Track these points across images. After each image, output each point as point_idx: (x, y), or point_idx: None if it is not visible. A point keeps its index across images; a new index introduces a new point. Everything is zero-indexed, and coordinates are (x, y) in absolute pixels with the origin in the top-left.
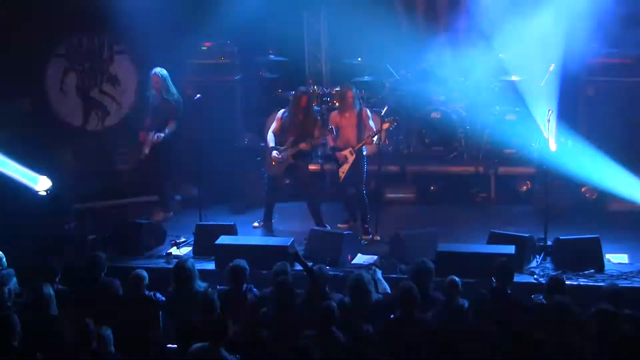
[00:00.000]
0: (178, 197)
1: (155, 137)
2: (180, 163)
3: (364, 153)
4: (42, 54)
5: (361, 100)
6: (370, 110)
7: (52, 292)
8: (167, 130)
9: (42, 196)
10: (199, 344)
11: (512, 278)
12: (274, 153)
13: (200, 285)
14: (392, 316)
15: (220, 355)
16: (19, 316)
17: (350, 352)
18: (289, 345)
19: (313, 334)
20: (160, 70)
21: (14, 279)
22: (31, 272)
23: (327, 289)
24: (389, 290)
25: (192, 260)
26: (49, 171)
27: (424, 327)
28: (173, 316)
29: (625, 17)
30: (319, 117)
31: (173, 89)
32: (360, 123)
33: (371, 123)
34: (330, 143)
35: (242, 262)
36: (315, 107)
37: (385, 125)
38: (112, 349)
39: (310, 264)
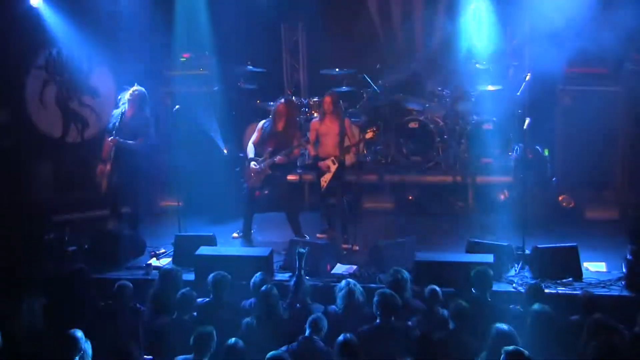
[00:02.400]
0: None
1: (115, 139)
2: (159, 174)
3: (344, 163)
4: (22, 66)
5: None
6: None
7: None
8: (129, 142)
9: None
10: (181, 357)
11: (491, 286)
12: (252, 164)
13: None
14: (376, 322)
15: None
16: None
17: None
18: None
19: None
20: (139, 87)
21: None
22: (10, 284)
23: (307, 299)
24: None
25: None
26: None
27: (405, 334)
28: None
29: (600, 27)
30: (299, 128)
31: (147, 109)
32: (342, 131)
33: (352, 132)
34: (311, 152)
35: (224, 273)
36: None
37: (368, 135)
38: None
39: (289, 274)
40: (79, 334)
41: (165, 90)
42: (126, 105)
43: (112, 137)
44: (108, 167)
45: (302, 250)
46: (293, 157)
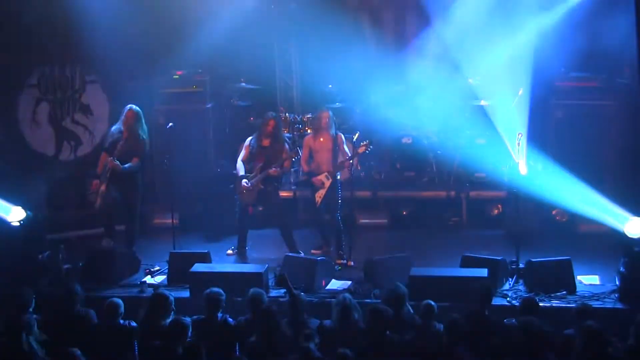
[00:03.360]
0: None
1: (115, 164)
2: (153, 191)
3: (338, 178)
4: (14, 84)
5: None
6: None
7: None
8: (127, 165)
9: (15, 226)
10: None
11: (491, 300)
12: (243, 182)
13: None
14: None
15: None
16: None
17: None
18: None
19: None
20: (135, 107)
21: None
22: (4, 302)
23: (304, 315)
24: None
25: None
26: (22, 202)
27: (399, 349)
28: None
29: (592, 41)
30: (286, 143)
31: (144, 128)
32: (335, 147)
33: (346, 148)
34: (305, 168)
35: (218, 290)
36: (287, 134)
37: (361, 149)
38: None
39: (284, 290)
40: (77, 352)
41: (159, 107)
42: (121, 126)
43: (111, 159)
44: (103, 187)
45: (282, 273)
46: (285, 169)
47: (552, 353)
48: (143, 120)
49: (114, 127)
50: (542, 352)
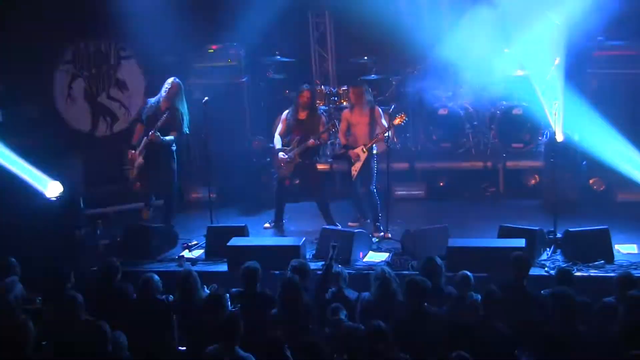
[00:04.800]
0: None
1: (156, 135)
2: (190, 166)
3: (374, 151)
4: (50, 61)
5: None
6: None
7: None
8: (166, 138)
9: (53, 202)
10: (214, 345)
11: (529, 271)
12: (281, 154)
13: (205, 292)
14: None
15: (235, 354)
16: (34, 322)
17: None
18: (300, 342)
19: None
20: (178, 79)
21: (19, 285)
22: (44, 279)
23: (342, 284)
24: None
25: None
26: (59, 177)
27: (436, 321)
28: (182, 320)
29: (629, 9)
30: (323, 114)
31: (184, 103)
32: (373, 121)
33: (383, 121)
34: (342, 141)
35: (255, 263)
36: (323, 107)
37: (396, 121)
38: (127, 353)
39: (322, 263)
40: (106, 326)
41: (194, 82)
42: (162, 96)
43: (152, 131)
44: (141, 159)
45: (335, 244)
46: (323, 141)
47: (585, 324)
48: (184, 95)
49: (152, 100)
50: (573, 322)
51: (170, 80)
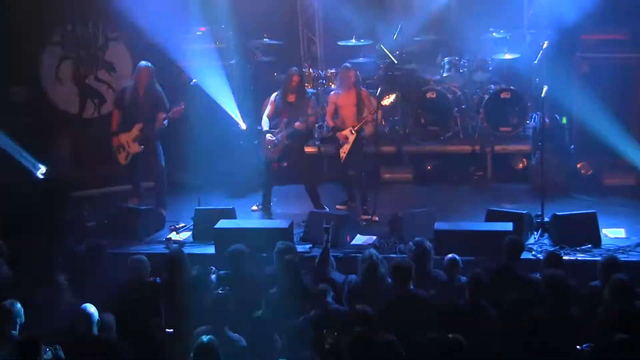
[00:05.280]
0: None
1: (163, 123)
2: (178, 148)
3: (363, 134)
4: (37, 42)
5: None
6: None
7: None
8: (165, 121)
9: (41, 184)
10: (203, 327)
11: (520, 255)
12: (268, 136)
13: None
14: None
15: (225, 335)
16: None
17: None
18: (288, 325)
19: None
20: (148, 63)
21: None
22: (31, 261)
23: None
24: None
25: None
26: (47, 159)
27: (423, 303)
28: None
29: None
30: (312, 98)
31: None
32: (360, 103)
33: (371, 103)
34: (330, 124)
35: (241, 246)
36: (311, 90)
37: (384, 101)
38: (115, 335)
39: (310, 246)
40: (92, 308)
41: (182, 64)
42: (136, 83)
43: (163, 116)
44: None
45: (327, 226)
46: (310, 124)
47: (577, 306)
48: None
49: (127, 85)
50: (566, 305)
51: (138, 67)
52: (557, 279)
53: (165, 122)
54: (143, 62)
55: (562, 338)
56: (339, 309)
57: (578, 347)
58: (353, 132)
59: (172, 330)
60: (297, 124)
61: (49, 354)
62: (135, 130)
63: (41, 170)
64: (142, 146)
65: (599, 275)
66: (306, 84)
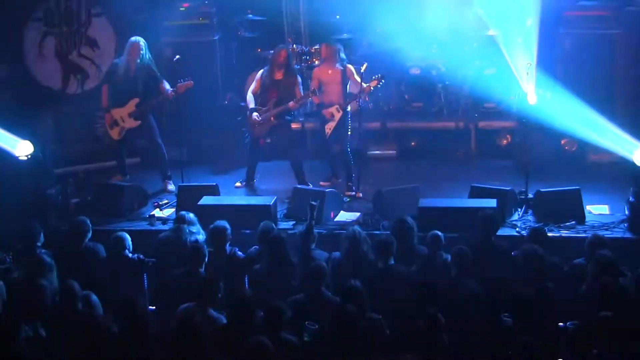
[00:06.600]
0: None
1: (170, 92)
2: (161, 124)
3: (348, 110)
4: (19, 18)
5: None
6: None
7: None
8: (171, 93)
9: (23, 161)
10: (185, 304)
11: (497, 229)
12: (254, 115)
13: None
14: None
15: (207, 314)
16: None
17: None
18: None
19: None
20: (140, 38)
21: None
22: (13, 237)
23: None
24: None
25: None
26: (29, 136)
27: (404, 279)
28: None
29: None
30: (298, 75)
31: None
32: (345, 79)
33: (357, 78)
34: (316, 100)
35: (223, 223)
36: (296, 66)
37: (373, 83)
38: (99, 311)
39: (293, 223)
40: (76, 285)
41: (166, 40)
42: (128, 59)
43: (170, 91)
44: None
45: (313, 203)
46: (301, 104)
47: (553, 282)
48: (147, 49)
49: (119, 62)
50: (542, 280)
51: (130, 42)
52: (533, 254)
53: (172, 93)
54: (134, 37)
55: (541, 314)
56: (330, 298)
57: (561, 324)
58: (339, 110)
59: (154, 307)
60: (290, 104)
61: (29, 332)
62: (131, 105)
63: (24, 150)
64: (138, 122)
65: (585, 252)
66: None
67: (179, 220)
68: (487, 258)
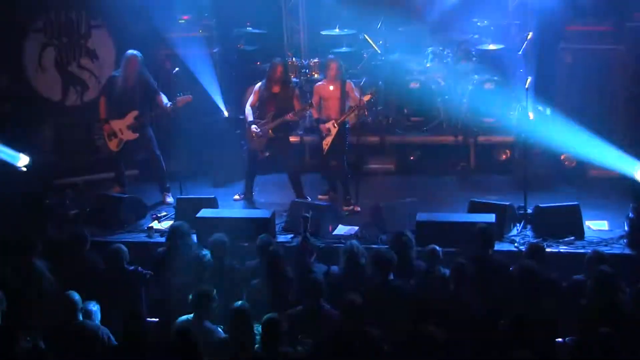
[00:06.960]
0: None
1: (169, 106)
2: (160, 137)
3: (347, 126)
4: (19, 30)
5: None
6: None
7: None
8: (170, 106)
9: (22, 171)
10: (183, 317)
11: (493, 243)
12: (253, 128)
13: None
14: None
15: (204, 326)
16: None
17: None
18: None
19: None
20: (136, 52)
21: None
22: (12, 247)
23: (310, 259)
24: None
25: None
26: (29, 146)
27: (403, 294)
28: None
29: None
30: (296, 88)
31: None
32: (344, 95)
33: (355, 94)
34: (314, 115)
35: (222, 236)
36: (294, 79)
37: (366, 97)
38: (98, 322)
39: (291, 236)
40: (76, 296)
41: (165, 52)
42: (125, 73)
43: (169, 105)
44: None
45: (306, 215)
46: (300, 116)
47: (552, 298)
48: (143, 65)
49: (117, 74)
50: (537, 296)
51: (127, 55)
52: (528, 271)
53: (170, 107)
54: (131, 51)
55: (537, 330)
56: (330, 311)
57: (560, 340)
58: (335, 125)
59: (153, 319)
60: (288, 115)
61: (28, 344)
62: (130, 117)
63: (22, 161)
64: (137, 134)
65: (584, 268)
66: (290, 74)
67: (174, 232)
68: (485, 273)
